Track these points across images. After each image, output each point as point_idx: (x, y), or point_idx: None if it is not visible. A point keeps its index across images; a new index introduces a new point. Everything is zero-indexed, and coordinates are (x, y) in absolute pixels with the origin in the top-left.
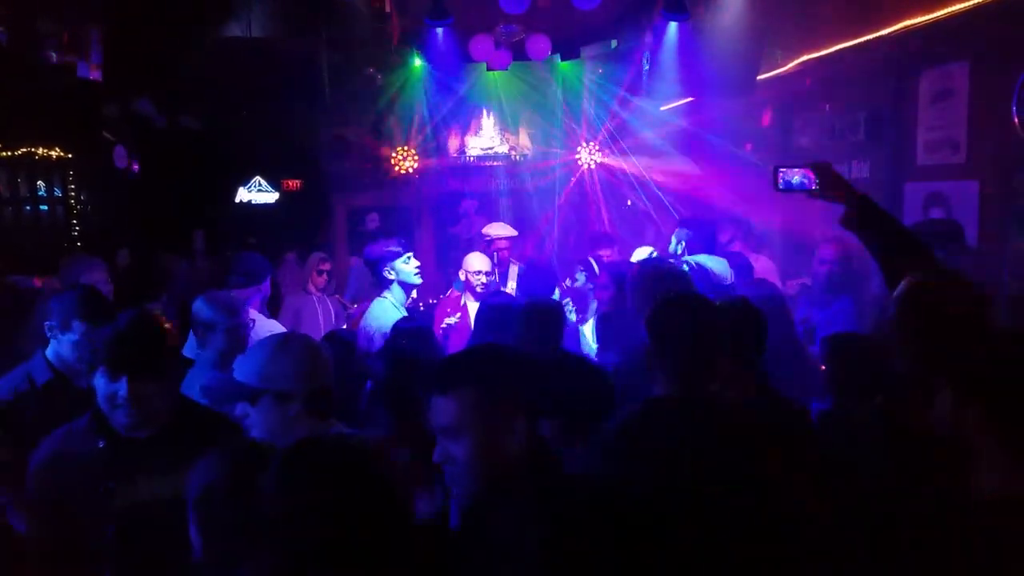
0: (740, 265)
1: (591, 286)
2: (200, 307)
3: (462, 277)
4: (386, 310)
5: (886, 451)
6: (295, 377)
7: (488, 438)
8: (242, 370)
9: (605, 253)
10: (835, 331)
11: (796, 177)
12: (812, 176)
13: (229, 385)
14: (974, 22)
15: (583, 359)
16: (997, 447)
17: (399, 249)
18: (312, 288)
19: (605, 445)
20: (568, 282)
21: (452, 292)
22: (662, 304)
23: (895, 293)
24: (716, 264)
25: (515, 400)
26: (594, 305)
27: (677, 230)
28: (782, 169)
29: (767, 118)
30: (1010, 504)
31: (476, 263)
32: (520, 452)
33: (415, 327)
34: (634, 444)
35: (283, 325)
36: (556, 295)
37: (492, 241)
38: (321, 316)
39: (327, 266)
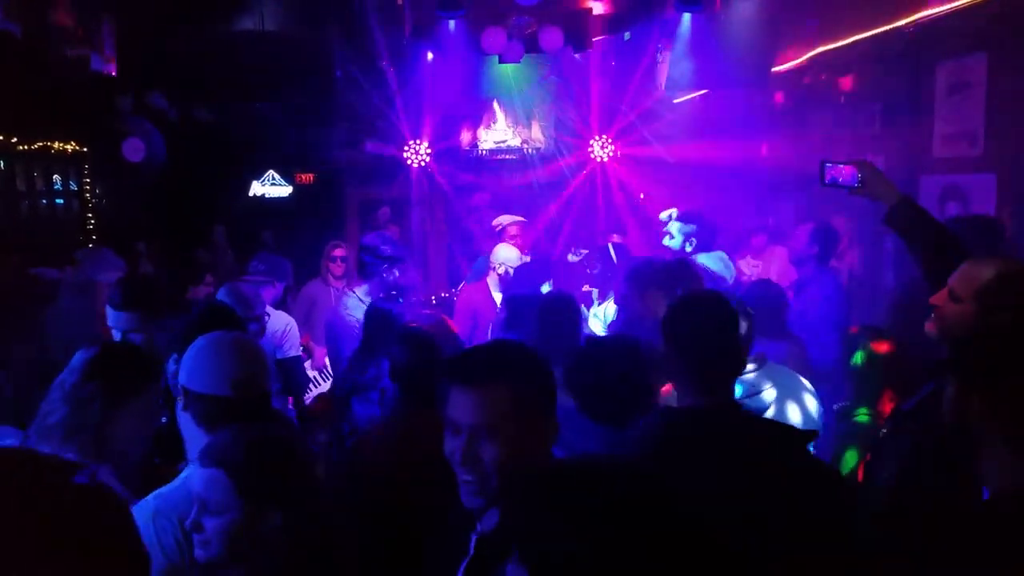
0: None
1: (603, 271)
2: (222, 297)
3: (494, 266)
4: (358, 307)
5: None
6: (192, 377)
7: (519, 439)
8: None
9: (615, 238)
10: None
11: (841, 173)
12: (856, 173)
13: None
14: (992, 14)
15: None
16: (998, 439)
17: (396, 274)
18: (330, 278)
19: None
20: (587, 271)
21: (464, 285)
22: (680, 305)
23: (971, 277)
24: (716, 264)
25: (548, 402)
26: (611, 297)
27: (679, 224)
28: (828, 164)
29: (781, 108)
30: (1012, 497)
31: (503, 253)
32: (546, 456)
33: (431, 318)
34: (658, 456)
35: (297, 313)
36: (546, 288)
37: (504, 229)
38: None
39: (340, 252)
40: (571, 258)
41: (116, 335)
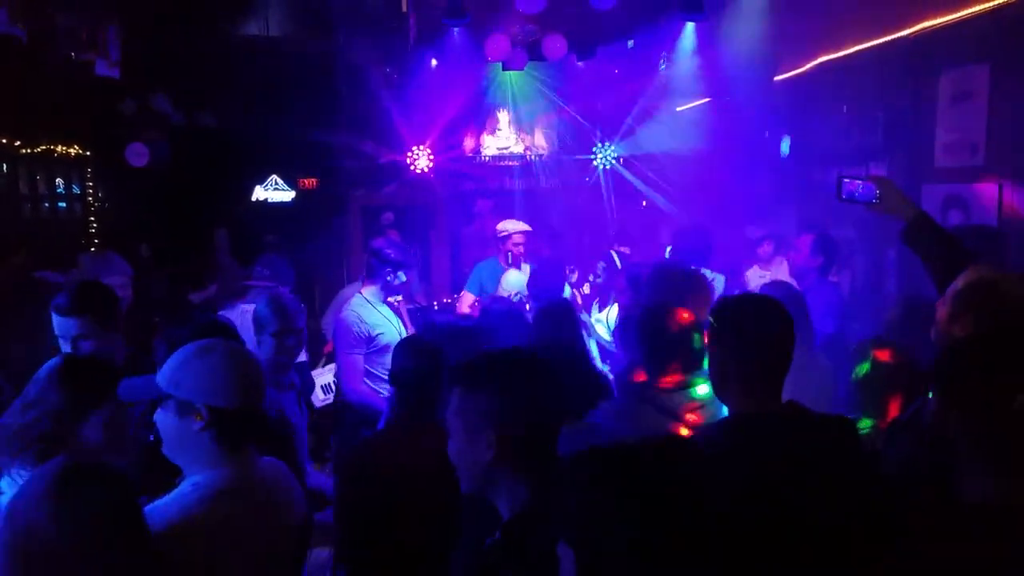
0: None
1: (607, 278)
2: (260, 305)
3: (506, 294)
4: (363, 305)
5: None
6: (199, 389)
7: (463, 440)
8: (161, 371)
9: (624, 249)
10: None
11: (859, 189)
12: (874, 189)
13: (148, 385)
14: (995, 23)
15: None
16: (974, 451)
17: (402, 279)
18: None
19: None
20: (591, 277)
21: (465, 294)
22: (733, 307)
23: (954, 284)
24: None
25: (486, 412)
26: (614, 302)
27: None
28: (846, 179)
29: (784, 117)
30: (986, 510)
31: (512, 280)
32: (499, 462)
33: (468, 327)
34: (726, 466)
35: (330, 315)
36: (567, 292)
37: (508, 237)
38: None
39: None
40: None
41: (64, 345)
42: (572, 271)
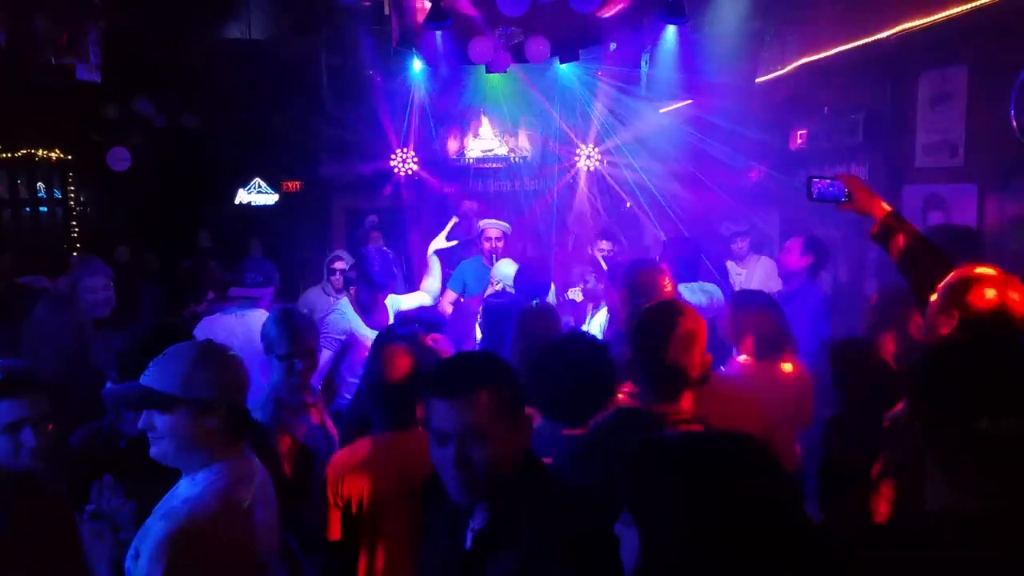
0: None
1: (601, 285)
2: (268, 323)
3: (493, 282)
4: (345, 310)
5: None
6: (216, 388)
7: (504, 439)
8: (154, 375)
9: (606, 246)
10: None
11: (829, 188)
12: (844, 188)
13: (135, 391)
14: (972, 26)
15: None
16: (935, 462)
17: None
18: (330, 289)
19: (578, 453)
20: (580, 286)
21: (447, 292)
22: (644, 314)
23: (944, 282)
24: (694, 295)
25: (521, 402)
26: (604, 308)
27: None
28: (815, 179)
29: (765, 118)
30: (941, 518)
31: (502, 270)
32: (526, 454)
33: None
34: (607, 453)
35: None
36: (551, 296)
37: (482, 232)
38: None
39: (341, 264)
40: (575, 295)
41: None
42: (591, 307)
